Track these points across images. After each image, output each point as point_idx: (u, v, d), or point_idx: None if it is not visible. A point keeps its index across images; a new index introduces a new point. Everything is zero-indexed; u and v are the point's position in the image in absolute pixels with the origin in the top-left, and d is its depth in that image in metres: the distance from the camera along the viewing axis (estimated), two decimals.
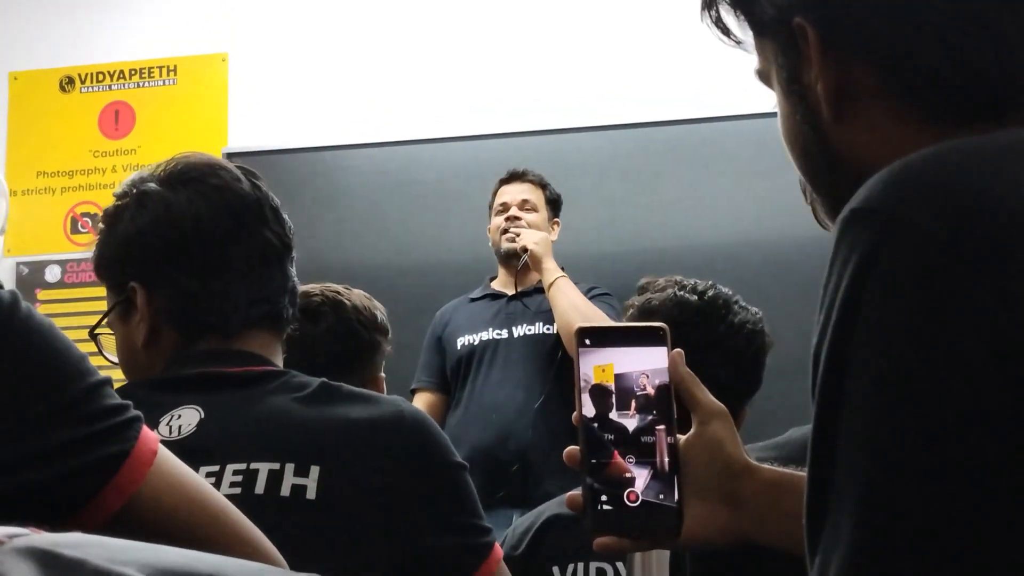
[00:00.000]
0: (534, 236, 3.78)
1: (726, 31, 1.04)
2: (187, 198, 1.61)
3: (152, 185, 1.63)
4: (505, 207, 3.92)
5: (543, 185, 3.99)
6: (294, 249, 1.67)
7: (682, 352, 1.24)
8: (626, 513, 1.20)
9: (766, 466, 1.21)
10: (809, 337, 0.81)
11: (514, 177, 3.99)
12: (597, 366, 1.23)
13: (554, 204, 4.01)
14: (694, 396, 1.23)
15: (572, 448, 1.23)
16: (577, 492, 1.23)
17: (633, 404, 1.23)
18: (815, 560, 0.74)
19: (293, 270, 1.67)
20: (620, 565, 2.07)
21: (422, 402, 3.83)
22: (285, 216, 1.68)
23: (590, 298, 3.72)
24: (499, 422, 3.64)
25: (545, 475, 3.52)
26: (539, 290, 3.82)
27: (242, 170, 1.67)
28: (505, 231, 3.86)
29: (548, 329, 3.75)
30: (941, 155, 0.78)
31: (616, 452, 1.21)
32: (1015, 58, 0.87)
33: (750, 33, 1.03)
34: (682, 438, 1.23)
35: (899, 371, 0.71)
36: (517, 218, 3.87)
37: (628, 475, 1.21)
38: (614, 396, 1.22)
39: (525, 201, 3.92)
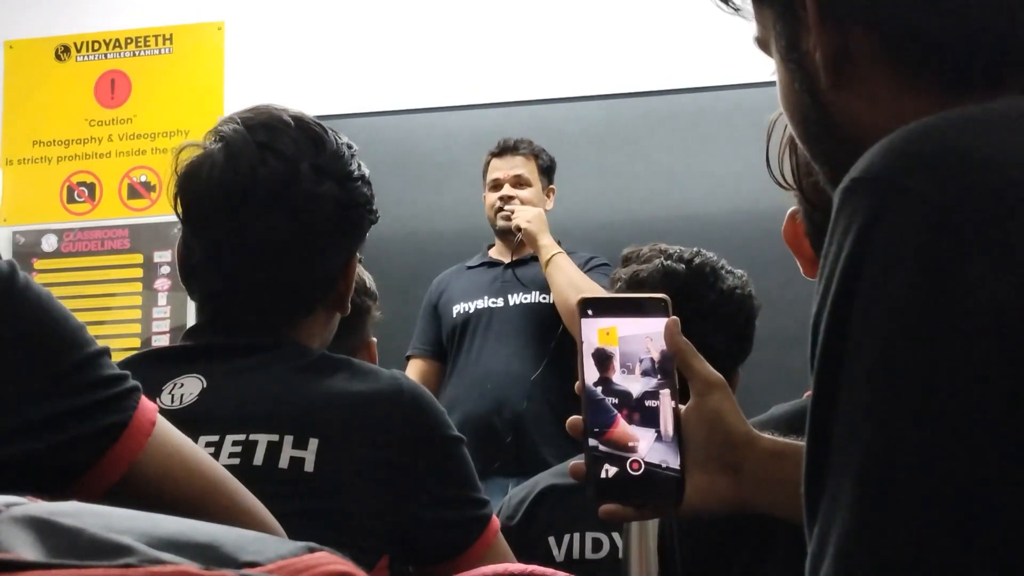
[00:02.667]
0: (527, 214, 3.75)
1: None
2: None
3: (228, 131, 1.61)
4: (498, 184, 3.89)
5: (535, 155, 3.95)
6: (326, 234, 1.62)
7: (678, 320, 1.24)
8: (629, 481, 1.20)
9: (766, 435, 1.22)
10: (805, 306, 0.80)
11: (505, 151, 3.94)
12: (601, 329, 1.24)
13: (548, 171, 3.98)
14: (691, 367, 1.23)
15: (575, 417, 1.23)
16: (579, 460, 1.23)
17: (637, 368, 1.23)
18: (814, 529, 0.75)
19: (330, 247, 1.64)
20: (616, 536, 2.07)
21: (416, 369, 3.85)
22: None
23: (590, 269, 3.71)
24: (493, 391, 3.65)
25: (540, 444, 3.53)
26: (536, 258, 3.80)
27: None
28: (500, 209, 3.85)
29: (544, 298, 3.75)
30: (942, 123, 0.78)
31: (619, 417, 1.21)
32: (1014, 25, 0.87)
33: (748, 0, 1.02)
34: (682, 408, 1.23)
35: (899, 340, 0.71)
36: (511, 197, 3.85)
37: (631, 441, 1.21)
38: (618, 359, 1.23)
39: (518, 177, 3.89)
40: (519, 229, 3.73)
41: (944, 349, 0.69)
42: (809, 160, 1.04)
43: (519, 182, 3.89)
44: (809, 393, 1.43)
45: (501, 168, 3.91)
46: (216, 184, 1.56)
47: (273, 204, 1.55)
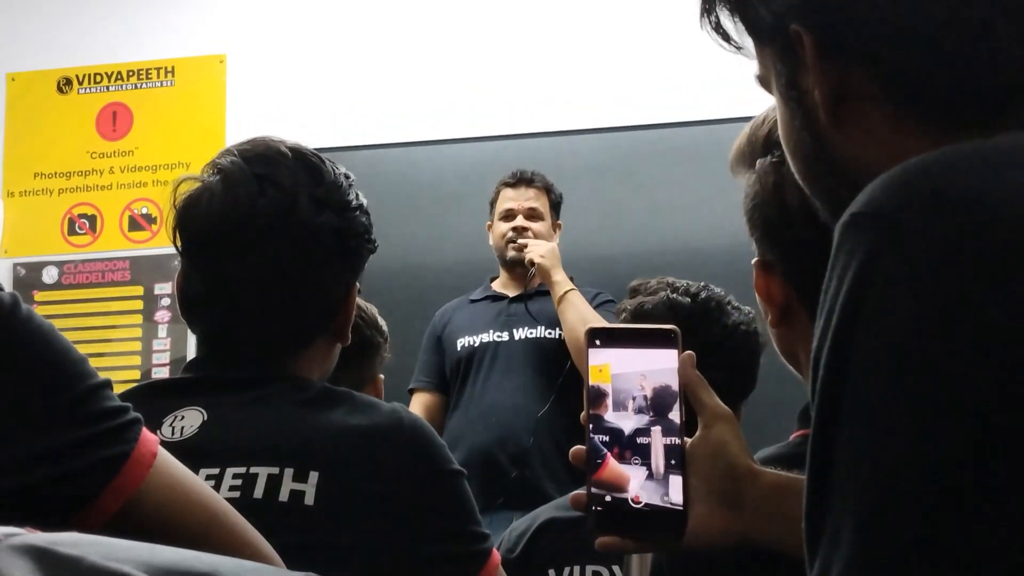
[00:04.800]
0: (541, 249, 3.75)
1: (726, 36, 1.04)
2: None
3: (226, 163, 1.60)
4: (511, 214, 3.88)
5: (548, 189, 3.94)
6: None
7: (693, 355, 1.24)
8: (629, 514, 1.20)
9: (769, 469, 1.21)
10: None
11: (520, 182, 3.92)
12: (594, 366, 1.23)
13: (556, 207, 3.98)
14: (700, 399, 1.23)
15: (578, 447, 1.23)
16: (581, 491, 1.22)
17: (630, 405, 1.22)
18: (815, 564, 0.74)
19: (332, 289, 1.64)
20: (617, 568, 2.07)
21: (420, 402, 3.83)
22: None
23: (596, 306, 3.70)
24: (498, 425, 3.63)
25: (545, 480, 3.52)
26: (541, 293, 3.81)
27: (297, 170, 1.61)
28: (512, 240, 3.84)
29: (549, 333, 3.74)
30: (941, 159, 0.78)
31: (610, 454, 1.21)
32: (1010, 61, 0.87)
33: (750, 39, 1.03)
34: (688, 441, 1.23)
35: (898, 376, 0.71)
36: (524, 228, 3.84)
37: (626, 476, 1.20)
38: (610, 397, 1.22)
39: (532, 209, 3.88)
40: (532, 264, 3.73)
41: (944, 386, 0.69)
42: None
43: (532, 214, 3.88)
44: (796, 435, 1.42)
45: (515, 199, 3.90)
46: (216, 216, 1.56)
47: (273, 235, 1.55)
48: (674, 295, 2.05)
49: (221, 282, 1.57)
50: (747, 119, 1.51)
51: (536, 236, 3.83)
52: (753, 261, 1.40)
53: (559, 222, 3.98)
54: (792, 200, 1.28)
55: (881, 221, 0.75)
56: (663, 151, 4.53)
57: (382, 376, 2.27)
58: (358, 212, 1.64)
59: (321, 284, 1.60)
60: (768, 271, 1.37)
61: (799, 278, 1.33)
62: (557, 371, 3.66)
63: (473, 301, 3.98)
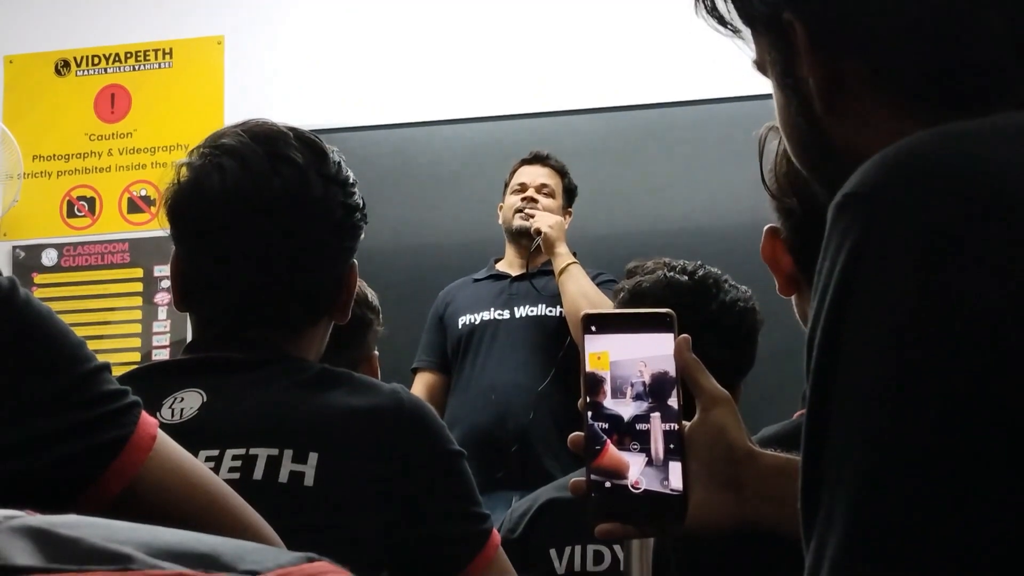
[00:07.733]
0: (549, 220, 3.80)
1: (722, 21, 1.04)
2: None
3: (227, 142, 1.59)
4: (523, 187, 3.94)
5: (563, 173, 4.02)
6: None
7: (688, 338, 1.24)
8: (629, 500, 1.20)
9: (768, 452, 1.21)
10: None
11: (536, 159, 4.01)
12: (592, 354, 1.23)
13: (570, 194, 4.04)
14: (698, 382, 1.23)
15: (576, 434, 1.23)
16: (580, 477, 1.23)
17: (629, 391, 1.22)
18: (811, 542, 0.75)
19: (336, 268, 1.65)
20: (618, 548, 2.07)
21: (422, 382, 3.86)
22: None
23: (597, 284, 3.72)
24: (498, 403, 3.65)
25: (544, 456, 3.53)
26: (543, 272, 3.84)
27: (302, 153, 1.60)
28: (520, 210, 3.88)
29: (551, 311, 3.77)
30: (932, 139, 0.78)
31: (610, 440, 1.21)
32: (999, 46, 0.87)
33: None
34: (687, 424, 1.23)
35: (893, 355, 0.71)
36: (534, 200, 3.89)
37: (625, 463, 1.20)
38: (609, 384, 1.22)
39: (544, 185, 3.94)
40: (539, 233, 3.76)
41: (937, 365, 0.69)
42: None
43: (544, 190, 3.94)
44: (799, 413, 1.42)
45: (529, 174, 3.98)
46: (232, 193, 1.54)
47: (289, 212, 1.55)
48: (671, 274, 2.06)
49: (235, 262, 1.57)
50: (746, 99, 1.51)
51: (545, 209, 3.88)
52: (768, 227, 1.41)
53: (570, 210, 4.03)
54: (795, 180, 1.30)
55: (872, 200, 0.75)
56: (662, 131, 4.53)
57: (377, 353, 2.27)
58: (355, 187, 1.65)
59: (332, 260, 1.61)
60: (777, 238, 1.38)
61: (799, 251, 1.35)
62: (557, 348, 3.68)
63: (476, 280, 4.02)
